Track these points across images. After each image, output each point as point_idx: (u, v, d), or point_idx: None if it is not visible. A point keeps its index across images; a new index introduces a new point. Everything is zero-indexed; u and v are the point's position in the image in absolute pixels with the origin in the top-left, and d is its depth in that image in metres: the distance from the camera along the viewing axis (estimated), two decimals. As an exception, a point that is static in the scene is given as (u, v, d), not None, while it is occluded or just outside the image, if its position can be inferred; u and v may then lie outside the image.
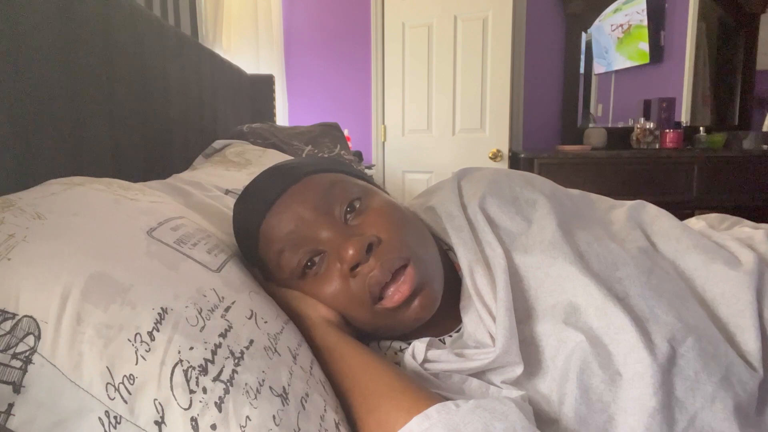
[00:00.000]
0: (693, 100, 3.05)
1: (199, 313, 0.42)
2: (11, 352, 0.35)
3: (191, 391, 0.37)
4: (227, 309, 0.45)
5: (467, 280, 0.56)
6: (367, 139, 3.12)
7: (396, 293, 0.52)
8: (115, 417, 0.35)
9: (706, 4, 2.98)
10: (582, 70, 3.02)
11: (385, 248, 0.53)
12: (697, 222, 0.75)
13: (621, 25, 3.05)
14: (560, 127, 3.06)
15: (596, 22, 3.02)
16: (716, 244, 0.62)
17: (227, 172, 1.01)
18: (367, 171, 2.72)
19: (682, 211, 2.19)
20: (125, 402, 0.36)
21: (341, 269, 0.53)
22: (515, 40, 2.79)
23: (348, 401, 0.48)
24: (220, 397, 0.38)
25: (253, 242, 0.57)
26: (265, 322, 0.48)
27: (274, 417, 0.39)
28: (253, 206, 0.58)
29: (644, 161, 2.59)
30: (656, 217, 0.67)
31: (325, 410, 0.44)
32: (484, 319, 0.53)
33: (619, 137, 2.94)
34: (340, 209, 0.56)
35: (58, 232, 0.42)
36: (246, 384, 0.40)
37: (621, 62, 3.09)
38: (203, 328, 0.41)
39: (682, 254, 0.61)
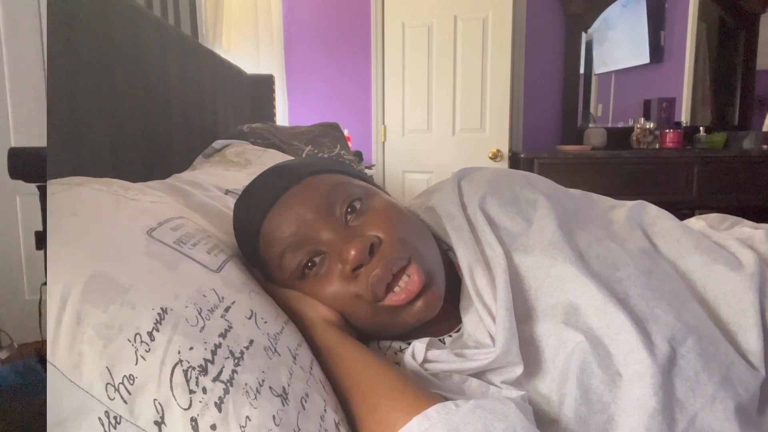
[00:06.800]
0: (693, 100, 3.05)
1: (199, 314, 0.42)
2: (11, 352, 0.35)
3: (191, 392, 0.37)
4: (227, 309, 0.45)
5: (467, 280, 0.56)
6: (367, 139, 3.12)
7: (402, 292, 0.52)
8: (115, 417, 0.35)
9: (706, 4, 2.98)
10: (582, 70, 3.02)
11: (386, 248, 0.53)
12: (697, 222, 0.75)
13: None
14: (560, 127, 3.06)
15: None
16: (717, 245, 0.62)
17: (227, 172, 1.01)
18: (367, 171, 2.72)
19: (682, 211, 2.19)
20: (125, 402, 0.36)
21: (342, 270, 0.53)
22: (515, 40, 2.78)
23: (348, 401, 0.48)
24: (219, 398, 0.38)
25: (253, 242, 0.57)
26: (265, 322, 0.48)
27: (274, 417, 0.39)
28: (254, 206, 0.58)
29: (644, 161, 2.59)
30: (657, 218, 0.67)
31: (325, 410, 0.44)
32: (484, 320, 0.53)
33: (619, 137, 2.94)
34: (341, 210, 0.56)
35: (58, 233, 0.42)
36: (246, 384, 0.40)
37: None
38: (203, 328, 0.41)
39: (683, 255, 0.60)
